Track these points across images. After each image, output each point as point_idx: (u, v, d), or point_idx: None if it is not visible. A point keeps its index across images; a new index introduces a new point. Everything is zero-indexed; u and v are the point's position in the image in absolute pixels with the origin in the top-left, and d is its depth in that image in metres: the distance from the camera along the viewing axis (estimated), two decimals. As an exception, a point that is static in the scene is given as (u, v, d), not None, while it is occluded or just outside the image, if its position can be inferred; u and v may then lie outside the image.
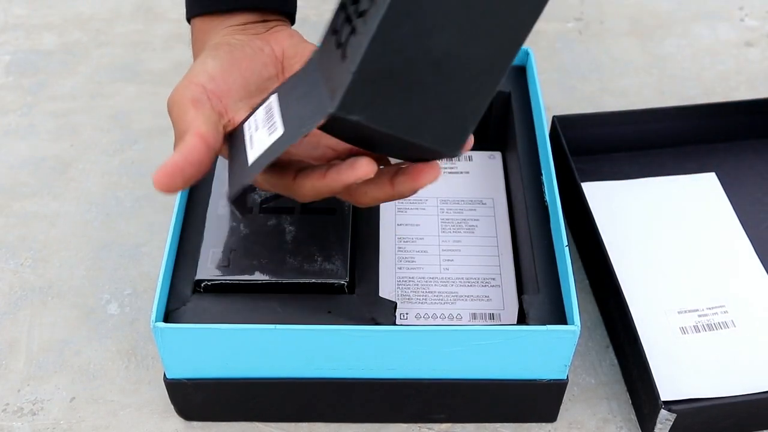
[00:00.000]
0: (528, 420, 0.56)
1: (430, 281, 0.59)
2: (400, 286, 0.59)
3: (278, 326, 0.49)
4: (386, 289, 0.58)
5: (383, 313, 0.53)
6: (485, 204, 0.64)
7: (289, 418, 0.56)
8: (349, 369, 0.52)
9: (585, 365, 0.60)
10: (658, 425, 0.53)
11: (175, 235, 0.55)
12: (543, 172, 0.60)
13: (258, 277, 0.54)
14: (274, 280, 0.54)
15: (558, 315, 0.52)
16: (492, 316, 0.57)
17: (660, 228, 0.66)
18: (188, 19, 0.55)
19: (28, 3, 0.93)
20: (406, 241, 0.61)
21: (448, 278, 0.59)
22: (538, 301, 0.53)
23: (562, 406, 0.56)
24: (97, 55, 0.86)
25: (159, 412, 0.57)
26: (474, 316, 0.57)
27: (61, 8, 0.92)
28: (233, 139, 0.48)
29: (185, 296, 0.53)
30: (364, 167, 0.43)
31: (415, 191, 0.47)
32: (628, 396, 0.58)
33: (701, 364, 0.57)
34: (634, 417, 0.57)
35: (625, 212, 0.67)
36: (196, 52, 0.54)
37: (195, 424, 0.57)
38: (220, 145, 0.47)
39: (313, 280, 0.54)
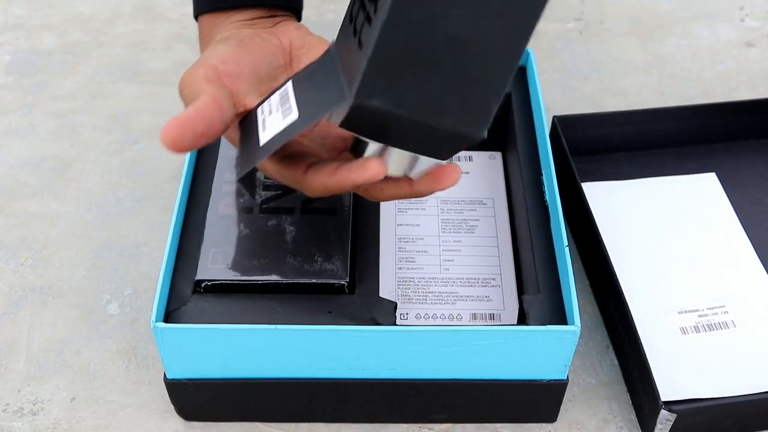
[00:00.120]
0: (528, 420, 0.56)
1: (431, 281, 0.59)
2: (401, 286, 0.59)
3: (278, 326, 0.49)
4: (386, 290, 0.58)
5: (383, 313, 0.53)
6: (485, 204, 0.64)
7: (289, 418, 0.56)
8: (350, 369, 0.52)
9: (585, 365, 0.60)
10: (659, 425, 0.53)
11: (175, 235, 0.55)
12: (543, 172, 0.59)
13: (258, 277, 0.54)
14: (274, 280, 0.54)
15: (558, 315, 0.52)
16: (492, 317, 0.57)
17: (660, 228, 0.66)
18: (195, 17, 0.55)
19: (29, 3, 0.93)
20: (407, 241, 0.61)
21: (449, 278, 0.59)
22: (538, 301, 0.53)
23: (562, 407, 0.56)
24: (97, 55, 0.86)
25: (159, 412, 0.57)
26: (474, 316, 0.57)
27: (62, 8, 0.92)
28: (245, 124, 0.48)
29: (185, 296, 0.53)
30: (374, 168, 0.43)
31: (433, 192, 0.47)
32: (629, 396, 0.58)
33: (701, 364, 0.57)
34: (634, 417, 0.57)
35: (625, 212, 0.67)
36: (204, 48, 0.54)
37: (195, 424, 0.57)
38: (231, 118, 0.47)
39: (314, 281, 0.54)
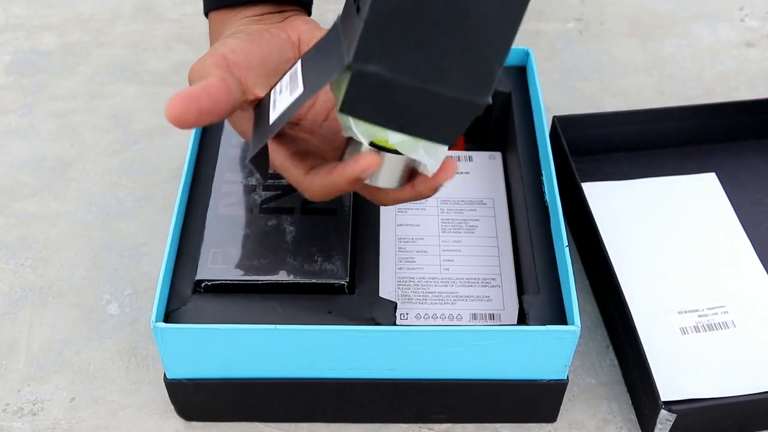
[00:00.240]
0: (528, 420, 0.56)
1: (431, 281, 0.59)
2: (401, 287, 0.59)
3: (278, 326, 0.49)
4: (386, 290, 0.58)
5: (383, 313, 0.53)
6: (485, 204, 0.64)
7: (289, 418, 0.56)
8: (350, 369, 0.52)
9: (585, 365, 0.60)
10: (658, 425, 0.53)
11: (175, 235, 0.55)
12: (543, 172, 0.59)
13: (258, 277, 0.54)
14: (274, 280, 0.54)
15: (558, 315, 0.52)
16: (492, 317, 0.57)
17: (660, 228, 0.66)
18: (206, 14, 0.55)
19: (29, 3, 0.93)
20: (407, 242, 0.61)
21: (449, 278, 0.59)
22: (538, 301, 0.53)
23: (562, 407, 0.56)
24: (98, 55, 0.86)
25: (159, 412, 0.57)
26: (474, 316, 0.57)
27: (62, 8, 0.92)
28: (259, 108, 0.48)
29: (185, 296, 0.53)
30: (367, 159, 0.43)
31: (435, 190, 0.47)
32: (629, 396, 0.58)
33: (701, 364, 0.57)
34: (634, 417, 0.57)
35: (625, 212, 0.67)
36: (214, 43, 0.54)
37: (195, 424, 0.57)
38: (239, 102, 0.47)
39: (314, 281, 0.54)
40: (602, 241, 0.60)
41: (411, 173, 0.47)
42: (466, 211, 0.63)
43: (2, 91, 0.82)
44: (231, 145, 0.62)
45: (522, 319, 0.54)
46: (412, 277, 0.59)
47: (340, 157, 0.47)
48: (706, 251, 0.64)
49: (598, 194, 0.68)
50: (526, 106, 0.65)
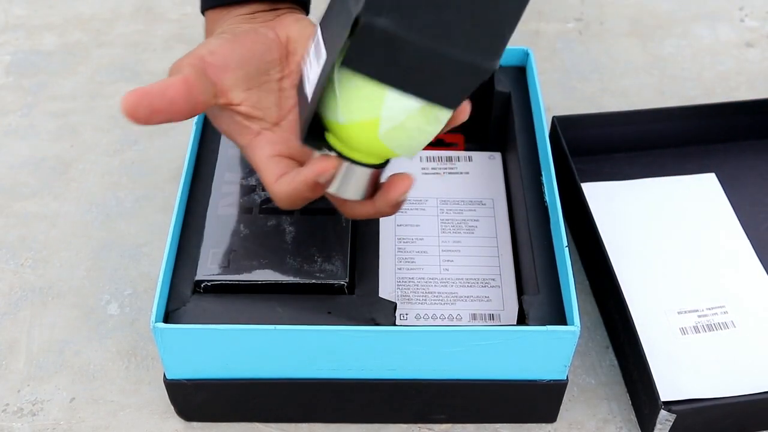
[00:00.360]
0: (528, 420, 0.56)
1: (430, 282, 0.59)
2: (400, 287, 0.59)
3: (278, 326, 0.49)
4: (386, 290, 0.58)
5: (383, 313, 0.53)
6: (485, 204, 0.64)
7: (289, 418, 0.56)
8: (349, 369, 0.52)
9: (585, 366, 0.60)
10: (658, 426, 0.53)
11: (175, 235, 0.55)
12: (543, 172, 0.59)
13: (258, 277, 0.54)
14: (274, 280, 0.54)
15: (558, 315, 0.52)
16: (492, 317, 0.57)
17: (660, 228, 0.66)
18: (202, 12, 0.55)
19: (29, 3, 0.93)
20: (406, 242, 0.61)
21: (448, 279, 0.59)
22: (538, 302, 0.53)
23: (562, 407, 0.56)
24: (98, 56, 0.86)
25: (159, 412, 0.57)
26: (474, 316, 0.57)
27: (62, 8, 0.92)
28: (299, 89, 0.47)
29: (185, 296, 0.53)
30: (322, 162, 0.45)
31: (395, 206, 0.47)
32: (628, 396, 0.58)
33: (701, 364, 0.57)
34: (634, 417, 0.57)
35: (625, 212, 0.67)
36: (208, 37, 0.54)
37: (195, 424, 0.57)
38: (204, 105, 0.47)
39: (313, 281, 0.54)
40: (602, 241, 0.60)
41: (375, 187, 0.48)
42: (465, 212, 0.63)
43: (2, 91, 0.82)
44: (231, 145, 0.62)
45: (522, 320, 0.54)
46: (412, 278, 0.59)
47: None
48: (706, 251, 0.64)
49: (598, 194, 0.68)
50: (526, 106, 0.65)
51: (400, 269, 0.60)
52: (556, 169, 0.59)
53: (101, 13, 0.92)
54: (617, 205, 0.68)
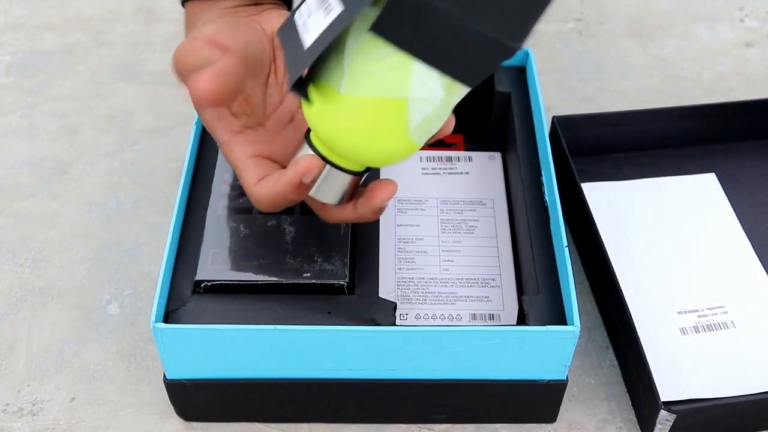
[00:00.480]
0: (528, 420, 0.56)
1: (430, 282, 0.59)
2: (400, 287, 0.59)
3: (278, 327, 0.49)
4: (386, 290, 0.58)
5: (383, 313, 0.53)
6: (485, 204, 0.64)
7: (289, 418, 0.56)
8: (349, 369, 0.52)
9: (585, 366, 0.60)
10: (658, 426, 0.53)
11: (175, 235, 0.55)
12: (543, 172, 0.59)
13: (258, 277, 0.54)
14: (273, 280, 0.54)
15: (558, 315, 0.52)
16: (492, 317, 0.57)
17: (660, 228, 0.66)
18: (182, 3, 0.55)
19: (29, 3, 0.93)
20: (406, 242, 0.61)
21: (448, 279, 0.59)
22: (537, 302, 0.53)
23: (561, 407, 0.56)
24: (97, 56, 0.86)
25: (159, 412, 0.57)
26: (474, 316, 0.57)
27: (62, 9, 0.92)
28: (283, 34, 0.46)
29: (185, 296, 0.53)
30: (306, 161, 0.45)
31: (377, 212, 0.48)
32: (628, 397, 0.58)
33: (701, 364, 0.57)
34: (633, 417, 0.57)
35: (625, 212, 0.67)
36: (189, 31, 0.54)
37: (195, 424, 0.57)
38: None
39: (313, 281, 0.54)
40: (602, 241, 0.60)
41: (353, 193, 0.48)
42: (465, 212, 0.63)
43: (2, 91, 0.82)
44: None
45: (522, 320, 0.54)
46: (412, 278, 0.59)
47: None
48: (706, 251, 0.64)
49: (598, 194, 0.68)
50: (526, 107, 0.65)
51: (400, 269, 0.60)
52: (556, 169, 0.59)
53: (101, 13, 0.92)
54: (617, 205, 0.68)
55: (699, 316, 0.60)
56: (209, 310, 0.53)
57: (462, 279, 0.59)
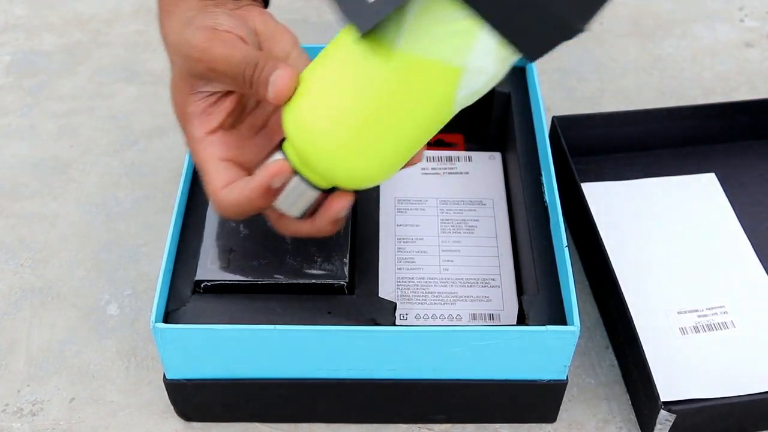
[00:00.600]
0: (528, 420, 0.56)
1: (430, 282, 0.59)
2: (400, 287, 0.59)
3: (278, 327, 0.49)
4: (386, 290, 0.58)
5: (383, 313, 0.53)
6: (485, 204, 0.64)
7: (289, 418, 0.56)
8: (349, 369, 0.52)
9: (585, 366, 0.60)
10: (658, 426, 0.53)
11: (175, 235, 0.55)
12: (543, 172, 0.59)
13: (258, 277, 0.54)
14: (273, 280, 0.54)
15: (558, 315, 0.52)
16: (492, 317, 0.57)
17: (660, 228, 0.66)
18: None
19: (29, 3, 0.93)
20: (406, 242, 0.61)
21: (448, 279, 0.59)
22: (537, 302, 0.53)
23: (561, 407, 0.56)
24: (97, 56, 0.86)
25: (159, 412, 0.57)
26: (474, 316, 0.57)
27: (62, 9, 0.92)
28: None
29: (185, 297, 0.53)
30: (276, 164, 0.45)
31: (334, 224, 0.48)
32: (628, 397, 0.58)
33: (701, 364, 0.57)
34: (633, 417, 0.57)
35: (625, 212, 0.67)
36: (165, 23, 0.51)
37: (195, 424, 0.57)
38: None
39: (313, 281, 0.54)
40: (602, 241, 0.60)
41: (315, 210, 0.48)
42: (465, 212, 0.63)
43: (2, 91, 0.82)
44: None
45: (521, 320, 0.54)
46: (412, 278, 0.59)
47: None
48: (706, 251, 0.64)
49: (598, 194, 0.68)
50: (526, 107, 0.65)
51: (400, 269, 0.60)
52: (556, 169, 0.59)
53: (101, 13, 0.92)
54: (617, 205, 0.68)
55: (699, 316, 0.60)
56: (209, 311, 0.53)
57: (462, 279, 0.59)
